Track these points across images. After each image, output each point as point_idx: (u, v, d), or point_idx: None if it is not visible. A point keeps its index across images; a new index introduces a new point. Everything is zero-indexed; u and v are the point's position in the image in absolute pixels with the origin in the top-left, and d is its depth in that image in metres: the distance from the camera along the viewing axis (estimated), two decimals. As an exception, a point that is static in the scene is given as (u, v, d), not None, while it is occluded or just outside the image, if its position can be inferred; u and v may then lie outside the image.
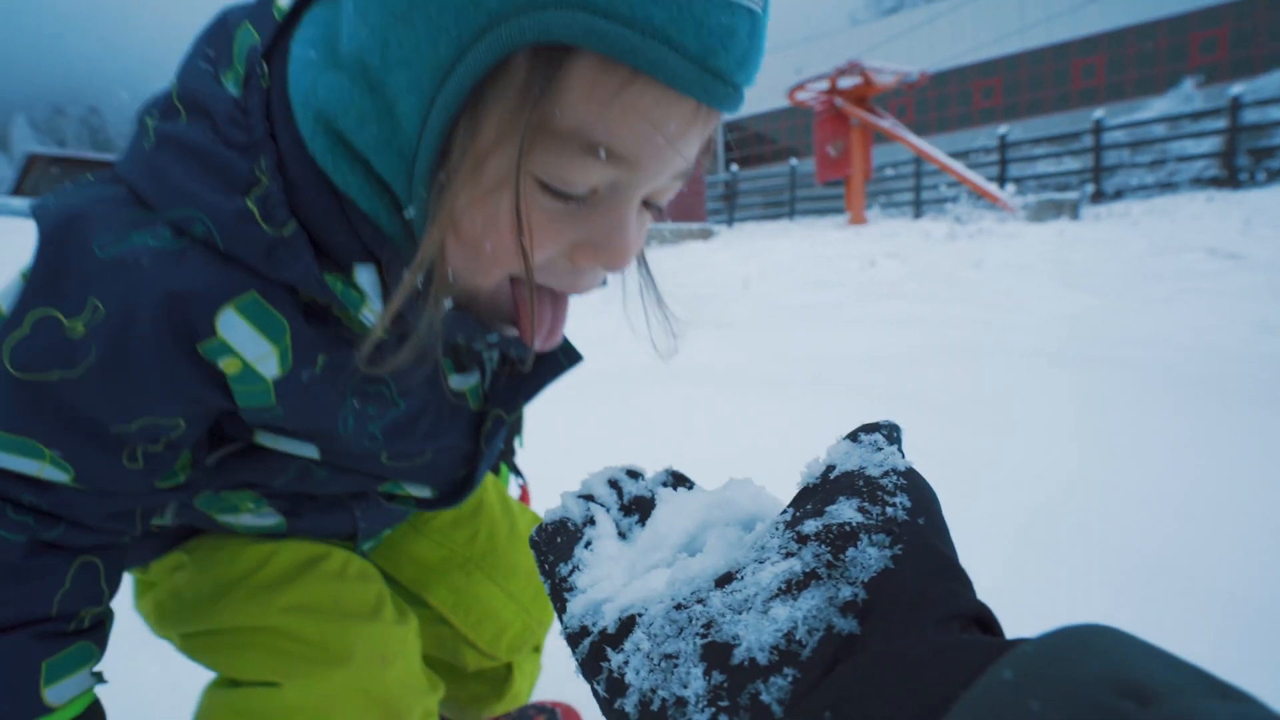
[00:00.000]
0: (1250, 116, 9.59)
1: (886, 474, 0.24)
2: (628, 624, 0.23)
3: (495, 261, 0.38)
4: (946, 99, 20.20)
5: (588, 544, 0.28)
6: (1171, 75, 16.17)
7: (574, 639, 0.24)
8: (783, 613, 0.20)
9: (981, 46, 17.51)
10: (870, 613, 0.19)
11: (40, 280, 0.36)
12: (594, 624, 0.23)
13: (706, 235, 11.73)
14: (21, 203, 25.72)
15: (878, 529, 0.21)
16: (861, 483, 0.24)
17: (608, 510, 0.32)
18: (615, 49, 0.30)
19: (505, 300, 0.42)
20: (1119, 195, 10.50)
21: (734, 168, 17.56)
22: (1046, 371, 2.25)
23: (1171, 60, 16.93)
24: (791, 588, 0.21)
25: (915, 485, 0.24)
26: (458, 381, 0.50)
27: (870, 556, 0.20)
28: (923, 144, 10.97)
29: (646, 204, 0.40)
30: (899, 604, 0.19)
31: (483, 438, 0.53)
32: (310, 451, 0.49)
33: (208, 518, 0.53)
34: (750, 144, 24.29)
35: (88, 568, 0.42)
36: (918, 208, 12.55)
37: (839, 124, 11.14)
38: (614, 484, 0.33)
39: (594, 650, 0.22)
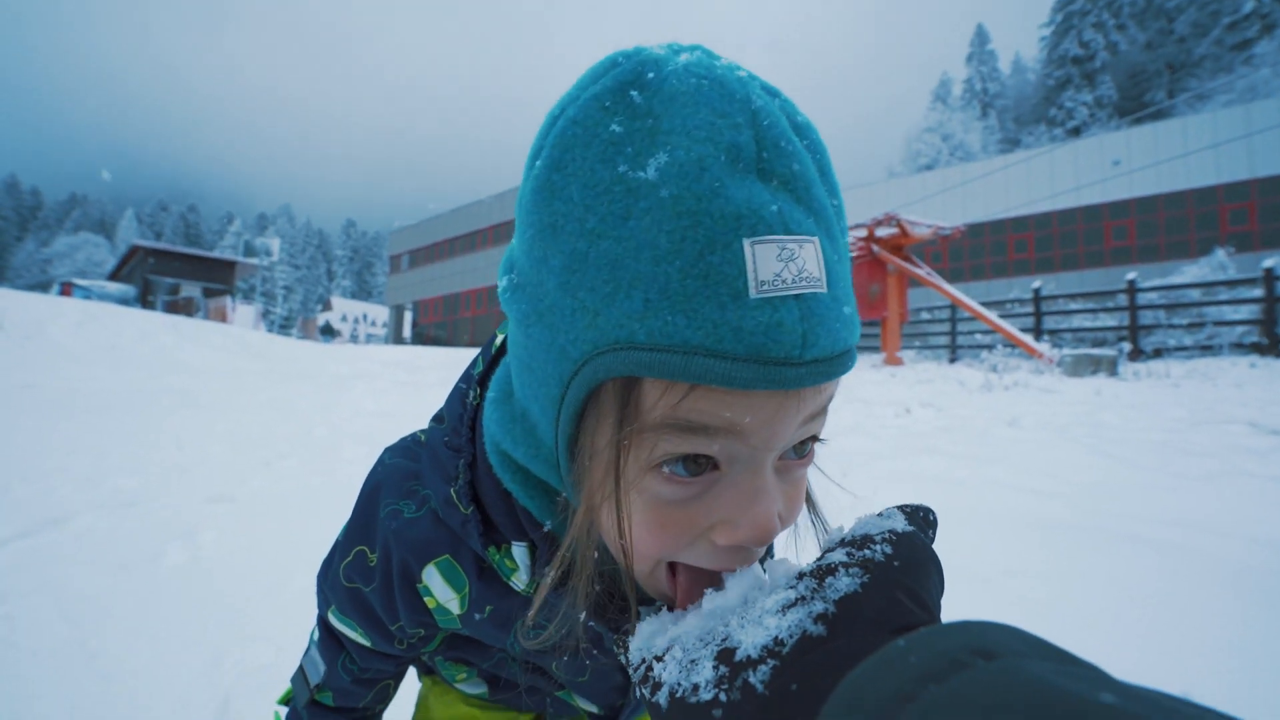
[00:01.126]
0: (1286, 288, 9.76)
1: (883, 534, 0.30)
2: (670, 649, 0.31)
3: (638, 556, 0.39)
4: (980, 249, 21.06)
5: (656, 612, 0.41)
6: (1203, 242, 16.67)
7: (634, 668, 0.31)
8: (773, 623, 0.27)
9: (1014, 207, 18.52)
10: (837, 624, 0.25)
11: (357, 525, 0.58)
12: (648, 652, 0.31)
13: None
14: (115, 288, 27.93)
15: (853, 565, 0.27)
16: (859, 538, 0.30)
17: None
18: (666, 373, 0.32)
19: (662, 579, 0.42)
20: (1158, 354, 10.53)
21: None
22: (1079, 548, 2.29)
23: (1202, 228, 17.52)
24: (784, 610, 0.27)
25: (903, 541, 0.29)
26: (609, 639, 0.49)
27: (843, 583, 0.27)
28: (958, 292, 11.39)
29: (798, 449, 0.40)
30: (861, 618, 0.25)
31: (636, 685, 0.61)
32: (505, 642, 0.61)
33: (440, 672, 0.74)
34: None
35: (384, 688, 0.68)
36: (953, 352, 12.75)
37: (876, 269, 11.73)
38: None
39: (644, 667, 0.30)
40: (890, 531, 0.30)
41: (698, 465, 0.36)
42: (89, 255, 70.58)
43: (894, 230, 11.56)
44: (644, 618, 0.39)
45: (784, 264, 0.33)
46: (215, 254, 34.76)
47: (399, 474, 0.56)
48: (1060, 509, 2.94)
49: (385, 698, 0.69)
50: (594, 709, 0.69)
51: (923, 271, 11.41)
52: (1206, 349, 10.25)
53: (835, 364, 0.35)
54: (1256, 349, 9.60)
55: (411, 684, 0.84)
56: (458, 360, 13.14)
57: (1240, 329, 10.16)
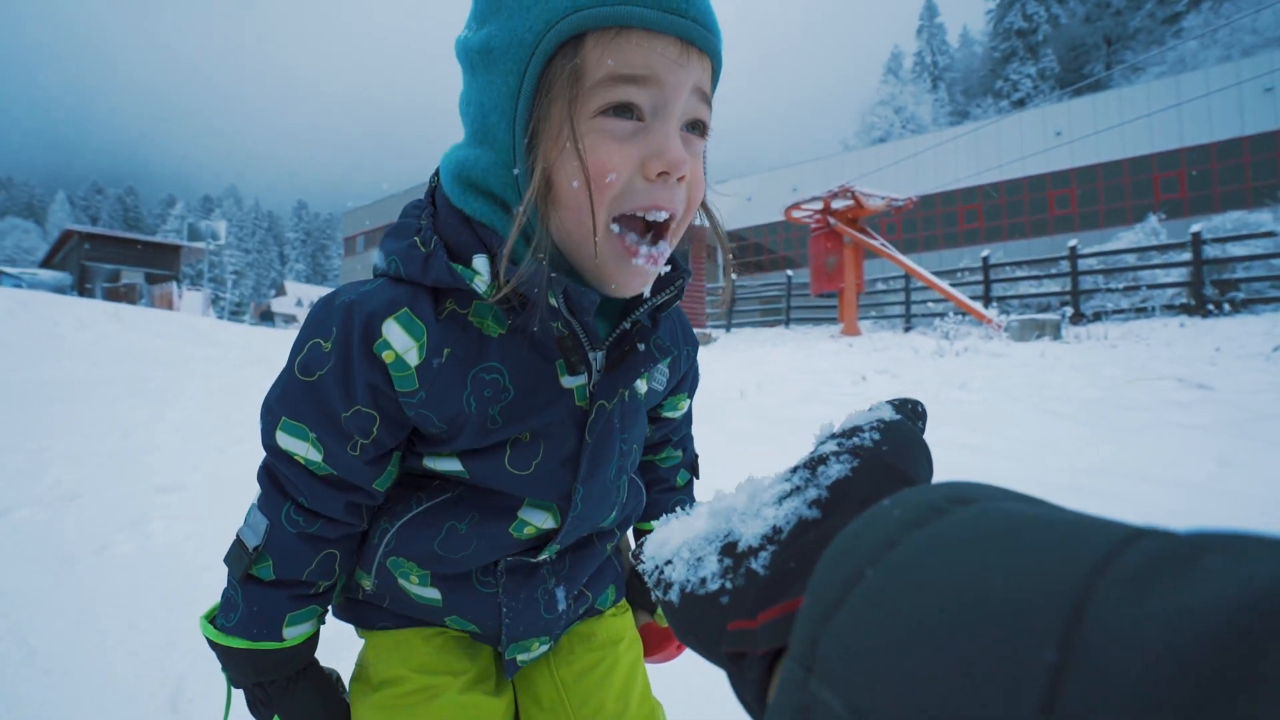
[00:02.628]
0: (1211, 252, 10.34)
1: (871, 424, 0.30)
2: (679, 551, 0.34)
3: (597, 200, 0.51)
4: (932, 220, 21.60)
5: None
6: (1138, 209, 17.46)
7: (648, 575, 0.33)
8: (771, 513, 0.28)
9: (963, 178, 19.00)
10: (830, 506, 0.26)
11: (310, 324, 0.59)
12: (660, 559, 0.33)
13: (707, 340, 12.18)
14: (48, 275, 26.29)
15: (843, 453, 0.28)
16: (848, 429, 0.31)
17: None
18: (604, 21, 0.48)
19: (609, 266, 0.54)
20: (1097, 317, 11.06)
21: (733, 276, 18.37)
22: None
23: (1137, 195, 18.34)
24: (781, 500, 0.28)
25: (891, 427, 0.30)
26: (568, 381, 0.60)
27: (834, 470, 0.28)
28: (911, 263, 11.69)
29: (692, 128, 0.55)
30: (852, 500, 0.26)
31: (587, 428, 0.61)
32: (457, 466, 0.62)
33: (393, 580, 0.65)
34: (749, 253, 25.57)
35: (329, 556, 0.62)
36: (908, 320, 13.13)
37: (833, 241, 11.92)
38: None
39: (656, 573, 0.31)
40: (879, 420, 0.31)
41: (629, 113, 0.51)
42: (18, 241, 66.10)
43: (849, 203, 11.74)
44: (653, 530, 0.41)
45: None
46: (158, 238, 32.84)
47: (347, 282, 0.62)
48: (1007, 464, 3.10)
49: (330, 572, 0.62)
50: (550, 520, 0.64)
51: (878, 243, 11.65)
52: (1141, 311, 10.81)
53: (710, 32, 0.52)
54: (1185, 310, 10.18)
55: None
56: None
57: (1171, 291, 10.74)
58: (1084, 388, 5.09)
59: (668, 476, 0.85)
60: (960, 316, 10.71)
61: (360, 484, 0.61)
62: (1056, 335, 8.90)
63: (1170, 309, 10.45)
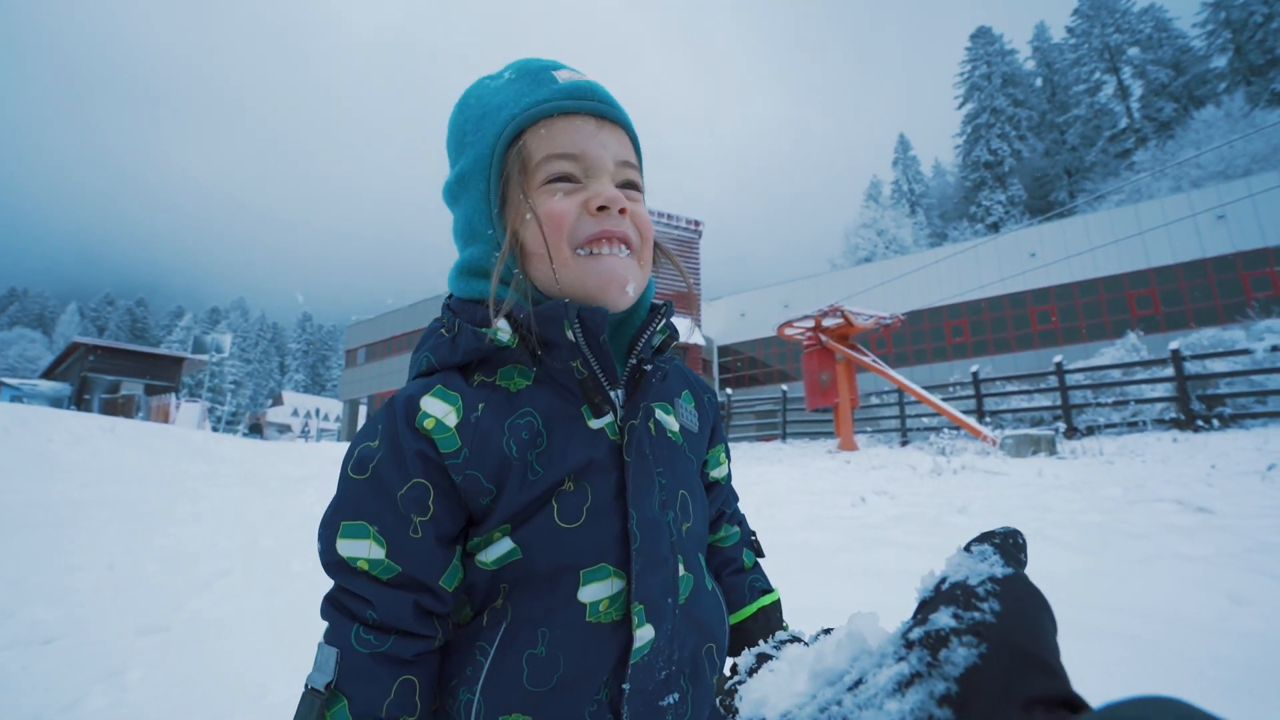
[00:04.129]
0: (1192, 368, 10.64)
1: (983, 582, 0.27)
2: None
3: (552, 242, 0.63)
4: (920, 334, 22.30)
5: (751, 674, 0.40)
6: (1117, 325, 18.16)
7: None
8: (894, 707, 0.24)
9: (947, 296, 19.91)
10: (963, 704, 0.23)
11: (359, 435, 0.64)
12: None
13: (703, 452, 12.07)
14: (47, 386, 26.35)
15: (966, 631, 0.25)
16: (959, 592, 0.28)
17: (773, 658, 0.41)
18: (534, 118, 0.65)
19: (590, 278, 0.64)
20: (1090, 431, 11.13)
21: (728, 391, 18.72)
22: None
23: (1114, 312, 19.13)
24: (901, 687, 0.25)
25: (1009, 589, 0.27)
26: (595, 423, 0.64)
27: (960, 655, 0.24)
28: (903, 378, 11.94)
29: (627, 187, 0.68)
30: (987, 695, 0.23)
31: (624, 450, 0.64)
32: (508, 547, 0.61)
33: None
34: (745, 366, 26.09)
35: (407, 684, 0.58)
36: (904, 435, 13.16)
37: (825, 357, 12.25)
38: (783, 642, 0.44)
39: None
40: (990, 580, 0.28)
41: (567, 180, 0.65)
42: (22, 351, 67.06)
43: (839, 320, 12.21)
44: (744, 681, 0.38)
45: (571, 74, 0.69)
46: (161, 349, 33.40)
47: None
48: (1010, 599, 3.03)
49: (411, 707, 0.57)
50: (606, 580, 0.61)
51: (869, 359, 11.98)
52: (1132, 425, 10.90)
53: (614, 108, 0.69)
54: (1176, 424, 10.28)
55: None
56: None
57: (1159, 406, 10.91)
58: (1083, 510, 5.04)
59: (734, 556, 0.84)
60: (955, 431, 10.77)
61: (426, 580, 0.60)
62: (1052, 451, 8.91)
63: (1161, 423, 10.55)
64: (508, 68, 0.72)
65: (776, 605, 0.82)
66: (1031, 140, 40.37)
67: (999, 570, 0.28)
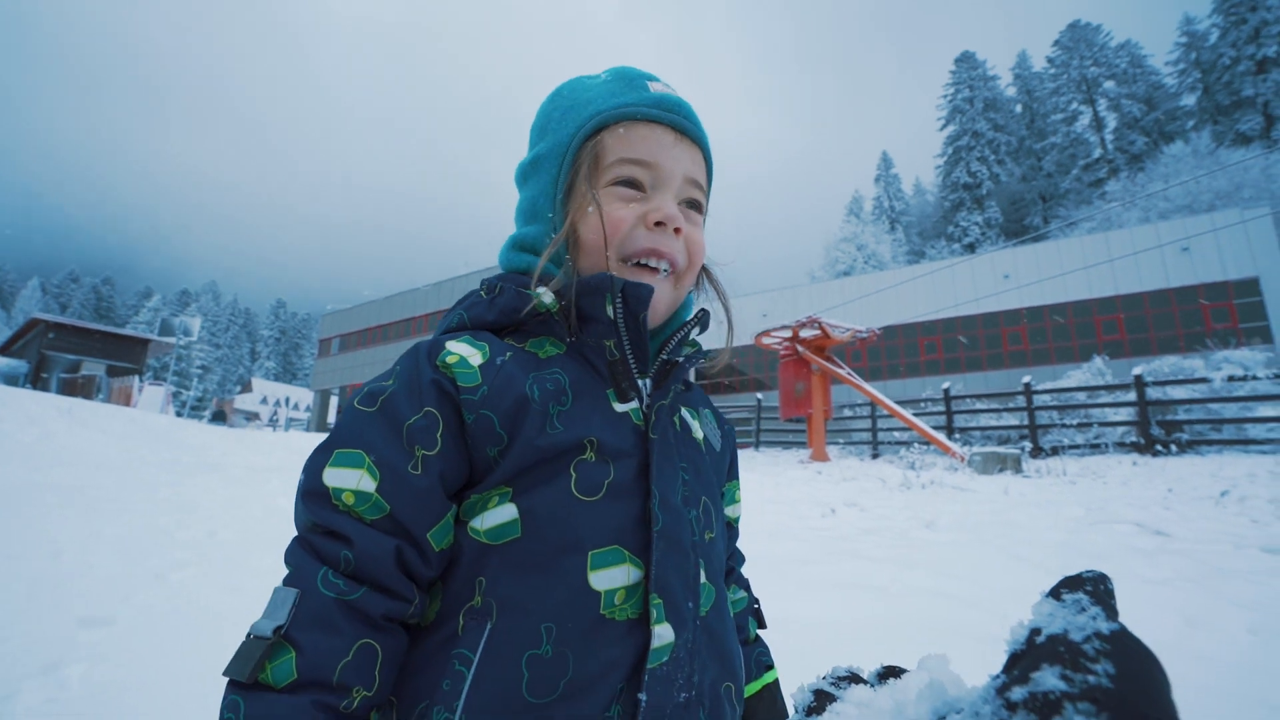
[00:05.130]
0: (1153, 393, 10.98)
1: (1089, 638, 0.25)
2: None
3: (611, 239, 0.64)
4: (895, 350, 22.66)
5: (810, 714, 0.36)
6: (1084, 348, 18.67)
7: None
8: None
9: (922, 313, 20.28)
10: None
11: (379, 376, 0.62)
12: None
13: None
14: (4, 363, 25.32)
15: (1081, 698, 0.23)
16: (1063, 649, 0.25)
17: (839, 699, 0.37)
18: (616, 118, 0.66)
19: (626, 274, 0.65)
20: (1055, 452, 11.41)
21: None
22: (1000, 660, 2.38)
23: (1081, 336, 19.67)
24: None
25: (1122, 649, 0.25)
26: (620, 407, 0.63)
27: None
28: (877, 392, 12.10)
29: (690, 206, 0.69)
30: None
31: (650, 429, 0.62)
32: (511, 514, 0.55)
33: None
34: (720, 374, 26.22)
35: (368, 649, 0.49)
36: (875, 447, 13.34)
37: (801, 368, 12.36)
38: (841, 679, 0.40)
39: None
40: (1097, 636, 0.25)
41: (634, 186, 0.66)
42: (-26, 327, 64.46)
43: (816, 332, 12.34)
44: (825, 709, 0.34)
45: (664, 87, 0.70)
46: (127, 331, 32.29)
47: None
48: (976, 616, 3.07)
49: (368, 679, 0.49)
50: (621, 566, 0.55)
51: (844, 372, 12.12)
52: (1095, 447, 11.21)
53: (696, 126, 0.69)
54: (1136, 448, 10.59)
55: None
56: (383, 451, 12.53)
57: (1121, 429, 11.23)
58: (1048, 529, 5.15)
59: (741, 625, 0.79)
60: (925, 446, 10.94)
61: (415, 528, 0.53)
62: (1018, 469, 9.11)
63: (1122, 446, 10.86)
64: (608, 70, 0.74)
65: (777, 685, 0.78)
66: (1010, 165, 41.41)
67: (1104, 625, 0.26)
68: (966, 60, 44.27)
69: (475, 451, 0.57)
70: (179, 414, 28.54)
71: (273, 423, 42.66)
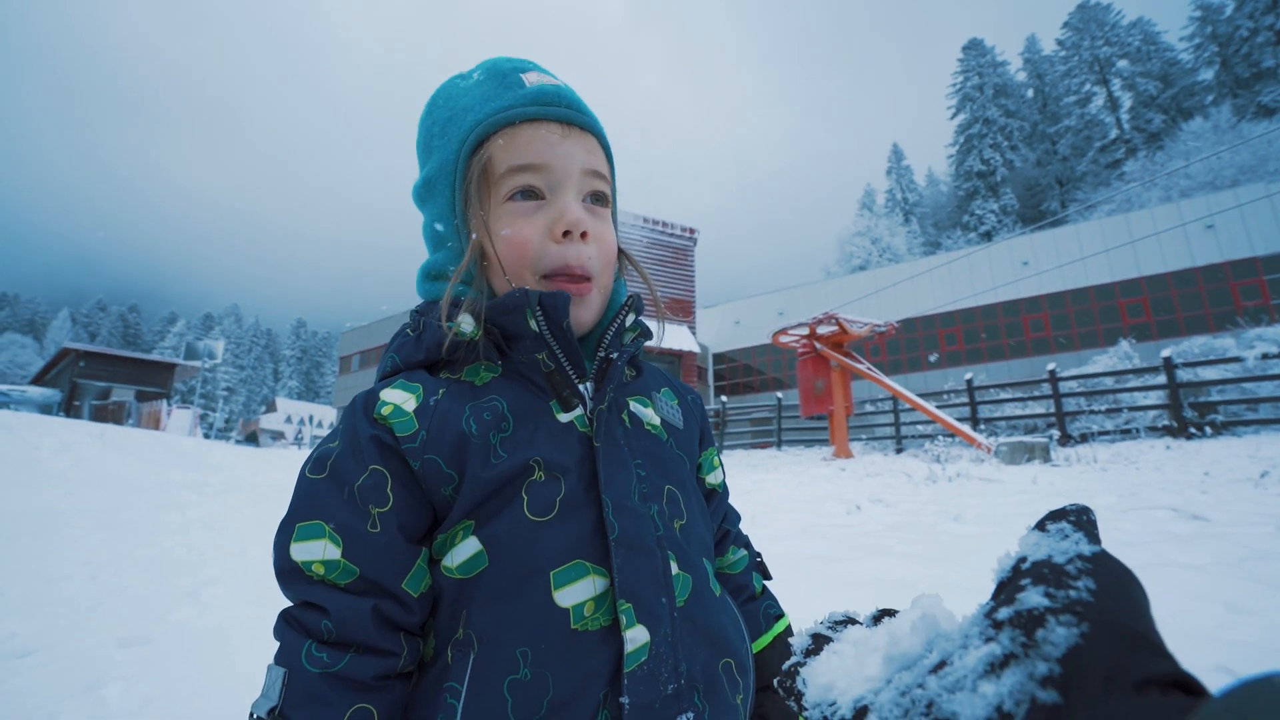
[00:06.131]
0: (1184, 375, 10.70)
1: (1071, 560, 0.26)
2: (861, 712, 0.27)
3: (513, 270, 0.63)
4: (914, 342, 22.37)
5: (808, 656, 0.37)
6: (1109, 333, 18.26)
7: None
8: (990, 689, 0.23)
9: (941, 304, 19.99)
10: (1068, 685, 0.21)
11: (321, 441, 0.63)
12: (832, 713, 0.27)
13: (698, 460, 12.04)
14: (37, 392, 26.13)
15: (1064, 610, 0.23)
16: (1047, 570, 0.26)
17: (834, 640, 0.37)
18: (498, 124, 0.63)
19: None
20: (1084, 439, 11.16)
21: (723, 398, 18.69)
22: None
23: (1106, 320, 19.24)
24: (994, 668, 0.23)
25: (1102, 567, 0.25)
26: (564, 417, 0.62)
27: (1060, 635, 0.23)
28: (897, 385, 11.96)
29: (595, 200, 0.66)
30: (1094, 676, 0.21)
31: (594, 435, 0.61)
32: (475, 547, 0.56)
33: None
34: (739, 374, 26.09)
35: (362, 712, 0.51)
36: (899, 442, 13.17)
37: (820, 364, 12.26)
38: (838, 623, 0.41)
39: None
40: (1079, 557, 0.26)
41: (532, 195, 0.63)
42: (13, 357, 66.57)
43: (834, 328, 12.23)
44: (807, 663, 0.35)
45: (540, 76, 0.66)
46: (153, 356, 33.08)
47: None
48: (1007, 608, 3.00)
49: None
50: (585, 580, 0.55)
51: (864, 367, 11.99)
52: (1125, 432, 10.94)
53: (582, 113, 0.66)
54: (1169, 431, 10.31)
55: None
56: (406, 464, 12.64)
57: (1153, 413, 10.95)
58: (1080, 519, 5.03)
59: (745, 583, 0.80)
60: (950, 438, 10.77)
61: (387, 583, 0.54)
62: (1046, 458, 8.92)
63: (1154, 430, 10.59)
64: (478, 66, 0.70)
65: (789, 630, 0.79)
66: (1023, 150, 40.77)
67: (1085, 547, 0.26)
68: (974, 47, 43.73)
69: (431, 494, 0.58)
70: (207, 435, 29.14)
71: (298, 441, 43.36)
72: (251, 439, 35.30)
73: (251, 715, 0.51)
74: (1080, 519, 0.28)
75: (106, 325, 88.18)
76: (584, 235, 0.63)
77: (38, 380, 31.71)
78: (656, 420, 0.69)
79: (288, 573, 0.55)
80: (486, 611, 0.54)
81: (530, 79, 0.66)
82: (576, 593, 0.55)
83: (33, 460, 8.17)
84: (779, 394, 16.58)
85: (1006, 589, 0.27)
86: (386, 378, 0.65)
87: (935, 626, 0.28)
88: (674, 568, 0.59)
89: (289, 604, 0.56)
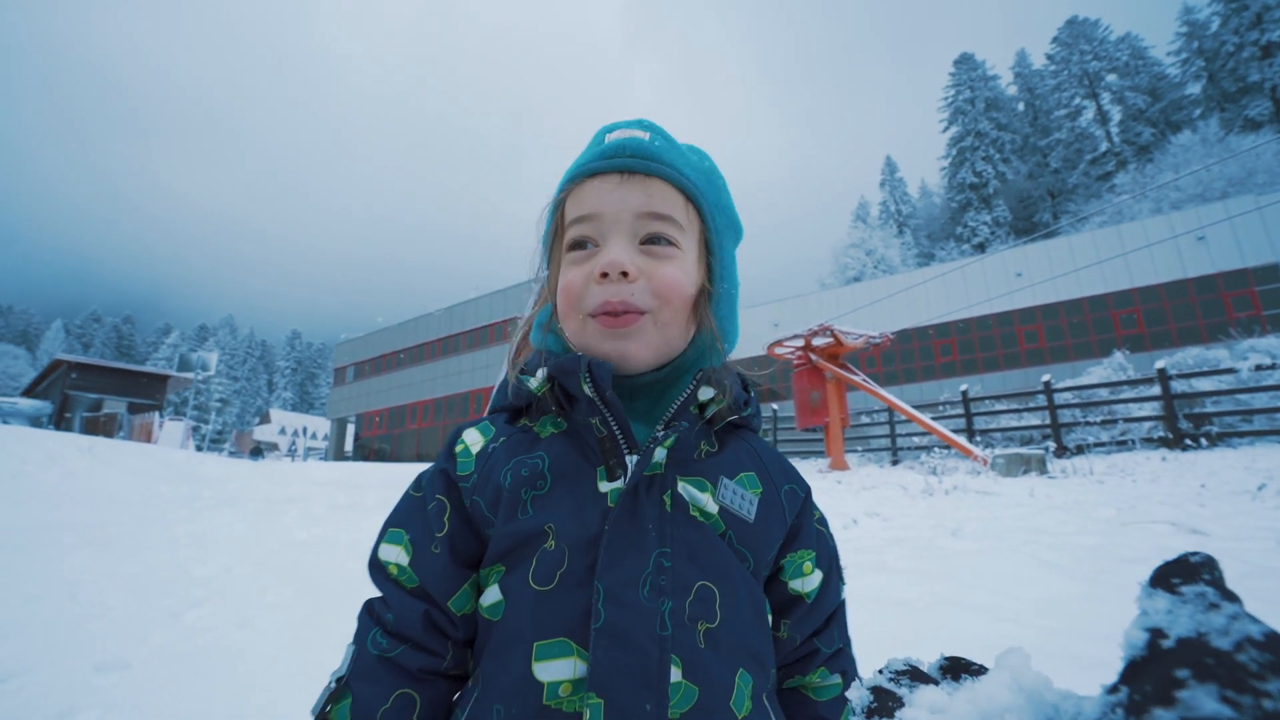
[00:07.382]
0: (1178, 386, 10.71)
1: (1240, 646, 0.21)
2: None
3: (564, 312, 0.66)
4: (910, 353, 22.42)
5: (870, 717, 0.31)
6: (1102, 344, 18.34)
7: None
8: None
9: (935, 315, 20.06)
10: None
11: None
12: None
13: (694, 472, 11.97)
14: (27, 404, 25.85)
15: None
16: (1212, 660, 0.21)
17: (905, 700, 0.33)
18: (570, 181, 0.68)
19: (598, 345, 0.64)
20: (1080, 450, 11.14)
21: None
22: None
23: (1099, 331, 19.34)
24: None
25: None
26: (604, 486, 0.61)
27: None
28: (893, 397, 11.94)
29: (652, 241, 0.66)
30: None
31: (606, 516, 0.58)
32: (496, 596, 0.59)
33: None
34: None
35: (406, 698, 0.59)
36: (894, 454, 13.13)
37: (815, 376, 12.24)
38: (901, 675, 0.37)
39: None
40: (1249, 642, 0.21)
41: (584, 245, 0.66)
42: (5, 368, 66.05)
43: (829, 340, 12.23)
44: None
45: (625, 132, 0.68)
46: (146, 367, 32.79)
47: None
48: (1009, 629, 2.95)
49: (404, 719, 0.58)
50: (566, 659, 0.54)
51: (859, 378, 11.97)
52: (1121, 444, 10.93)
53: (647, 159, 0.66)
54: (1164, 443, 10.31)
55: None
56: (401, 478, 12.55)
57: (1148, 424, 10.95)
58: (1078, 532, 4.99)
59: (828, 716, 0.68)
60: (945, 450, 10.74)
61: (437, 597, 0.62)
62: (1043, 470, 8.90)
63: (1150, 441, 10.58)
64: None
65: None
66: (1015, 163, 41.15)
67: (1251, 627, 0.20)
68: (965, 61, 44.26)
69: (480, 530, 0.64)
70: (199, 448, 28.85)
71: (291, 453, 42.96)
72: (256, 453, 34.60)
73: (332, 678, 0.60)
74: (1215, 577, 0.23)
75: (100, 336, 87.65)
76: (625, 274, 0.63)
77: (29, 392, 31.38)
78: (713, 508, 0.62)
79: (373, 567, 0.65)
80: (490, 658, 0.58)
81: (614, 136, 0.69)
82: (555, 670, 0.54)
83: (19, 474, 8.04)
84: (774, 406, 16.55)
85: (1149, 676, 0.21)
86: (488, 415, 0.73)
87: (1041, 704, 0.23)
88: (674, 674, 0.53)
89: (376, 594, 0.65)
